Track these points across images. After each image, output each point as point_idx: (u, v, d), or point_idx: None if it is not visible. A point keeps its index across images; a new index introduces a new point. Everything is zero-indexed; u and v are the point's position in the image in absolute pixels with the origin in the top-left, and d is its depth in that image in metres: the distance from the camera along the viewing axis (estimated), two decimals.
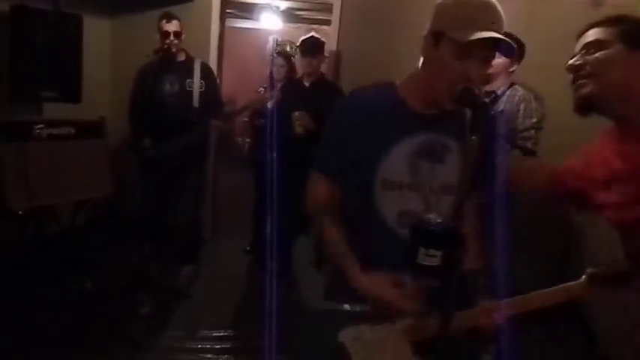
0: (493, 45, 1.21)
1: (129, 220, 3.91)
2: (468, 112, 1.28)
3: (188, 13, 4.10)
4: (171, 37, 3.35)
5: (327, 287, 1.50)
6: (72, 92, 3.43)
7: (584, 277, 1.29)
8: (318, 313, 1.46)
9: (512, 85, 2.89)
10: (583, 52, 1.28)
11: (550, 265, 3.39)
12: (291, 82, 3.82)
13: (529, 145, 2.81)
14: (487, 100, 1.08)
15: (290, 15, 7.40)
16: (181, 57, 3.46)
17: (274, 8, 6.98)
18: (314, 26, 6.63)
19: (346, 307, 1.35)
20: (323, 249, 1.37)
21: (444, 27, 1.23)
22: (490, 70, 2.74)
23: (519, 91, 2.85)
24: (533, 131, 2.81)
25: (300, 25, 7.58)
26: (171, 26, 3.34)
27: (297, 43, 3.77)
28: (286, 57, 3.84)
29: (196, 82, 3.41)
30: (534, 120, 2.80)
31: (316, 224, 1.41)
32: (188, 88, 3.41)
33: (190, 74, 3.43)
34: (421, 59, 1.34)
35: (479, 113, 1.08)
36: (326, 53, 3.84)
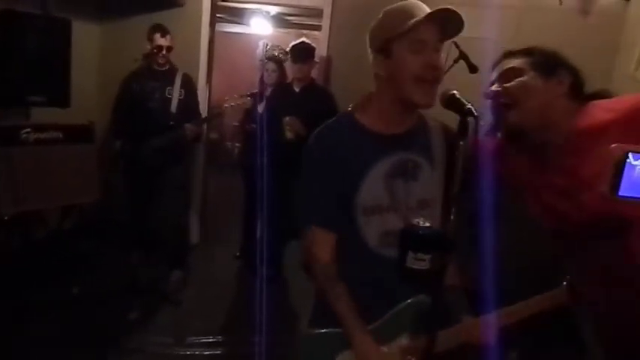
0: (440, 31, 1.28)
1: (117, 224, 3.88)
2: (433, 126, 1.40)
3: (178, 18, 4.11)
4: (164, 52, 3.48)
5: (314, 310, 1.49)
6: (60, 97, 3.41)
7: (564, 283, 1.32)
8: (311, 336, 1.44)
9: None
10: (500, 80, 1.33)
11: (542, 267, 3.42)
12: (281, 87, 3.83)
13: None
14: (471, 106, 1.09)
15: (280, 20, 7.42)
16: (165, 67, 3.57)
17: (264, 13, 7.00)
18: (304, 31, 6.65)
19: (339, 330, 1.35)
20: (332, 310, 1.33)
21: (389, 33, 1.28)
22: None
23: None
24: None
25: (290, 30, 7.60)
26: (165, 41, 3.48)
27: (288, 49, 3.79)
28: (277, 62, 3.85)
29: (176, 90, 3.53)
30: None
31: (323, 287, 1.37)
32: (168, 95, 3.52)
33: (171, 83, 3.54)
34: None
35: (465, 119, 1.09)
36: (316, 59, 3.85)
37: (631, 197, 0.68)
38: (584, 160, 1.23)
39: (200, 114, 3.78)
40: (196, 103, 3.74)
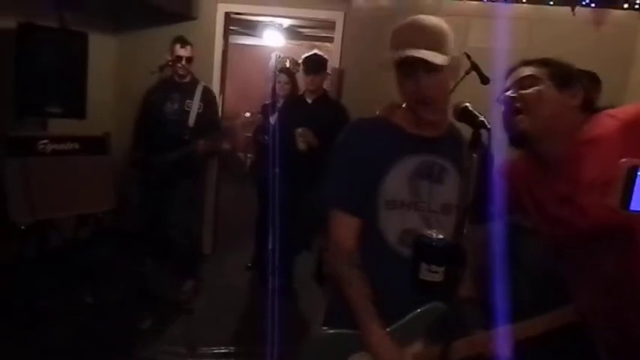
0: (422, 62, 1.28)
1: (131, 234, 3.92)
2: (464, 135, 1.35)
3: (192, 30, 4.16)
4: (183, 62, 3.54)
5: (327, 313, 1.50)
6: (76, 108, 3.46)
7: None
8: (323, 337, 1.44)
9: None
10: (515, 86, 1.35)
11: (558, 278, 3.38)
12: (293, 98, 3.85)
13: None
14: (484, 119, 1.10)
15: (293, 32, 7.49)
16: (186, 79, 3.61)
17: (277, 25, 7.07)
18: (317, 43, 6.70)
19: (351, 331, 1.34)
20: (345, 300, 1.34)
21: (390, 52, 1.33)
22: None
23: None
24: None
25: (302, 42, 7.66)
26: (185, 52, 3.53)
27: (300, 60, 3.81)
28: (289, 74, 3.88)
29: (195, 104, 3.56)
30: None
31: (339, 273, 1.38)
32: (186, 108, 3.55)
33: (191, 95, 3.57)
34: None
35: (478, 131, 1.10)
36: (329, 70, 3.88)
37: None
38: (586, 165, 1.24)
39: (219, 127, 3.82)
40: (216, 117, 3.78)
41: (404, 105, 1.41)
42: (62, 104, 3.40)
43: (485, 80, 2.75)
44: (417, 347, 1.35)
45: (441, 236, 1.19)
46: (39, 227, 3.19)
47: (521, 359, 1.25)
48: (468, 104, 1.17)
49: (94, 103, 3.64)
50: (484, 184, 1.26)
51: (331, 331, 1.41)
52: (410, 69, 1.30)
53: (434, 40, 1.29)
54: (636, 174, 0.67)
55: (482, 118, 1.11)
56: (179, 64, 3.52)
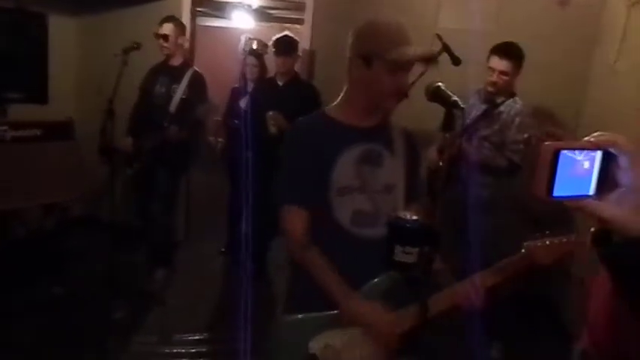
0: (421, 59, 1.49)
1: (101, 222, 3.82)
2: (395, 124, 1.59)
3: (158, 12, 4.04)
4: (161, 41, 3.46)
5: (287, 300, 1.60)
6: (38, 93, 3.35)
7: (522, 251, 1.45)
8: (285, 323, 1.53)
9: (513, 95, 2.92)
10: None
11: None
12: (265, 81, 3.79)
13: (516, 158, 2.83)
14: (457, 98, 1.10)
15: (262, 14, 7.34)
16: (177, 62, 3.54)
17: (246, 7, 6.91)
18: (287, 25, 6.60)
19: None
20: (314, 280, 1.43)
21: (377, 50, 1.41)
22: (493, 79, 2.85)
23: (518, 103, 2.88)
24: (522, 146, 2.83)
25: (272, 24, 7.53)
26: (162, 29, 3.45)
27: (271, 42, 3.75)
28: (257, 56, 3.81)
29: (180, 89, 3.45)
30: (526, 135, 2.82)
31: (300, 260, 1.49)
32: (171, 94, 3.46)
33: (179, 80, 3.47)
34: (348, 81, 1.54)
35: (451, 111, 1.10)
36: (299, 52, 3.83)
37: (565, 197, 0.66)
38: None
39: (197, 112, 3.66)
40: (201, 103, 3.58)
41: (339, 100, 1.57)
42: (23, 89, 3.27)
43: (456, 61, 2.75)
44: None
45: (415, 217, 1.18)
46: (3, 217, 3.09)
47: (491, 336, 1.29)
48: (440, 84, 1.17)
49: (56, 87, 3.52)
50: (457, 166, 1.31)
51: (292, 317, 1.50)
52: (408, 66, 1.43)
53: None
54: (558, 158, 0.64)
55: (455, 98, 1.10)
56: (160, 44, 3.46)
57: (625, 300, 0.79)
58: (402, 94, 1.46)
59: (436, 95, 1.15)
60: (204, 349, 2.89)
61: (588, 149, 0.65)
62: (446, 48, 2.74)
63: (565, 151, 0.63)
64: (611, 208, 0.66)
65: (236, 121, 3.65)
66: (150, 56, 3.55)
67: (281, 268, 3.78)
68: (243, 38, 3.89)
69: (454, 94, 1.11)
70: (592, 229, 0.70)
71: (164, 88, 3.47)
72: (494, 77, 2.87)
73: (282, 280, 3.74)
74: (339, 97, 1.59)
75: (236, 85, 3.89)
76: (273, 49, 3.65)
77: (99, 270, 3.50)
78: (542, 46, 3.34)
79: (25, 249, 3.34)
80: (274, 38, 3.68)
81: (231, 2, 5.98)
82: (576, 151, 0.64)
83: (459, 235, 2.20)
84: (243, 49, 3.69)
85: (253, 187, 3.26)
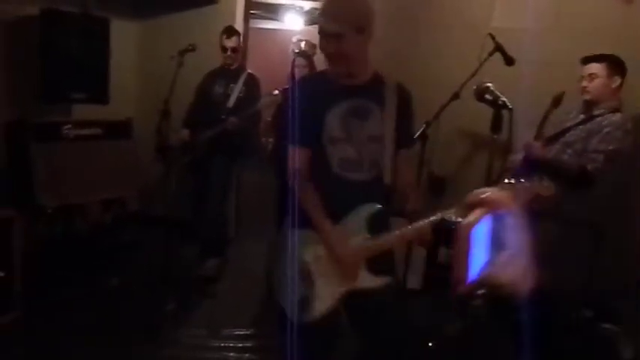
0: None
1: (156, 217, 3.97)
2: (387, 81, 1.83)
3: (213, 15, 4.16)
4: (229, 52, 3.77)
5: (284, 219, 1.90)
6: (100, 93, 3.51)
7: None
8: (280, 239, 1.89)
9: (616, 110, 2.72)
10: None
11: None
12: None
13: (590, 166, 2.61)
14: (505, 99, 1.07)
15: (314, 15, 7.40)
16: (233, 66, 3.86)
17: (298, 9, 6.99)
18: None
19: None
20: (302, 205, 1.78)
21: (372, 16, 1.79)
22: (583, 83, 2.74)
23: (616, 116, 2.68)
24: (602, 156, 2.61)
25: None
26: (230, 42, 3.76)
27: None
28: (306, 57, 3.83)
29: (237, 87, 3.77)
30: (610, 147, 2.61)
31: (298, 191, 1.79)
32: (229, 92, 3.75)
33: (235, 80, 3.79)
34: None
35: (499, 112, 1.07)
36: None
37: (477, 275, 0.60)
38: None
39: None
40: (256, 101, 3.80)
41: None
42: (86, 90, 3.45)
43: (510, 61, 2.67)
44: (359, 241, 1.73)
45: (459, 219, 1.16)
46: (65, 211, 3.26)
47: None
48: (489, 84, 1.14)
49: (117, 88, 3.68)
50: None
51: (286, 232, 1.85)
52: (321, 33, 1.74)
53: (332, 7, 1.75)
54: (471, 239, 0.57)
55: (504, 99, 1.08)
56: (225, 54, 3.75)
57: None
58: (329, 58, 1.73)
59: (485, 95, 1.12)
60: (250, 344, 2.94)
61: (483, 216, 0.59)
62: (499, 48, 2.67)
63: (473, 229, 0.57)
64: (505, 273, 0.61)
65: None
66: (204, 58, 3.68)
67: None
68: (294, 39, 3.93)
69: (503, 94, 1.08)
70: None
71: (222, 89, 3.76)
72: (584, 82, 2.72)
73: None
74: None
75: (286, 86, 3.93)
76: None
77: (153, 263, 3.64)
78: (605, 45, 3.19)
79: (85, 242, 3.51)
80: None
81: (284, 4, 6.06)
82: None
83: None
84: (293, 51, 3.73)
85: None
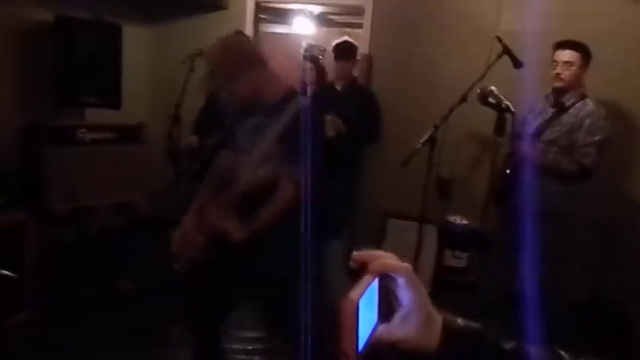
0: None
1: (166, 221, 4.00)
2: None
3: (223, 20, 4.20)
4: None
5: None
6: (112, 98, 3.56)
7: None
8: None
9: (583, 97, 2.79)
10: None
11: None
12: (323, 86, 3.84)
13: (587, 161, 2.70)
14: (509, 103, 1.08)
15: (323, 19, 7.43)
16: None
17: (308, 13, 7.02)
18: (347, 29, 6.62)
19: None
20: None
21: None
22: (558, 70, 2.73)
23: (589, 105, 2.75)
24: (593, 148, 2.69)
25: (333, 29, 7.59)
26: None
27: (331, 47, 3.79)
28: (315, 61, 3.86)
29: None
30: (597, 137, 2.68)
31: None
32: None
33: None
34: None
35: (503, 115, 1.08)
36: (358, 57, 3.84)
37: (365, 343, 0.57)
38: None
39: None
40: None
41: None
42: (98, 94, 3.49)
43: (518, 64, 2.66)
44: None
45: (465, 222, 1.17)
46: (77, 214, 3.30)
47: None
48: (493, 88, 1.15)
49: (129, 93, 3.73)
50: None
51: None
52: None
53: None
54: (359, 311, 0.55)
55: (507, 102, 1.08)
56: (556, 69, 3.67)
57: None
58: None
59: (488, 99, 1.14)
60: (260, 347, 2.96)
61: (370, 283, 0.59)
62: (507, 50, 2.67)
63: (360, 301, 0.56)
64: (398, 331, 0.60)
65: None
66: None
67: (338, 270, 3.82)
68: (304, 43, 3.96)
69: (507, 98, 1.09)
70: None
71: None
72: (559, 68, 2.75)
73: (338, 281, 3.77)
74: None
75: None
76: (333, 54, 3.69)
77: (163, 266, 3.67)
78: (612, 45, 3.17)
79: (97, 245, 3.55)
80: (334, 43, 3.72)
81: (293, 9, 6.08)
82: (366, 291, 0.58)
83: (518, 242, 2.13)
84: (303, 55, 3.76)
85: (310, 189, 3.30)
